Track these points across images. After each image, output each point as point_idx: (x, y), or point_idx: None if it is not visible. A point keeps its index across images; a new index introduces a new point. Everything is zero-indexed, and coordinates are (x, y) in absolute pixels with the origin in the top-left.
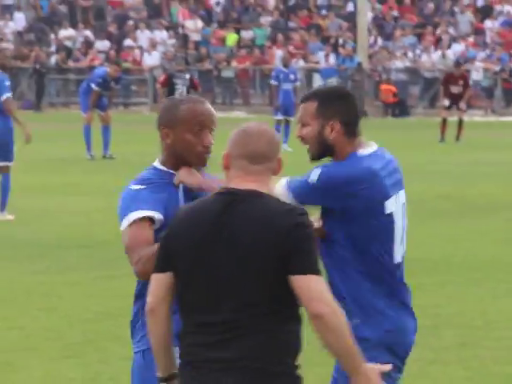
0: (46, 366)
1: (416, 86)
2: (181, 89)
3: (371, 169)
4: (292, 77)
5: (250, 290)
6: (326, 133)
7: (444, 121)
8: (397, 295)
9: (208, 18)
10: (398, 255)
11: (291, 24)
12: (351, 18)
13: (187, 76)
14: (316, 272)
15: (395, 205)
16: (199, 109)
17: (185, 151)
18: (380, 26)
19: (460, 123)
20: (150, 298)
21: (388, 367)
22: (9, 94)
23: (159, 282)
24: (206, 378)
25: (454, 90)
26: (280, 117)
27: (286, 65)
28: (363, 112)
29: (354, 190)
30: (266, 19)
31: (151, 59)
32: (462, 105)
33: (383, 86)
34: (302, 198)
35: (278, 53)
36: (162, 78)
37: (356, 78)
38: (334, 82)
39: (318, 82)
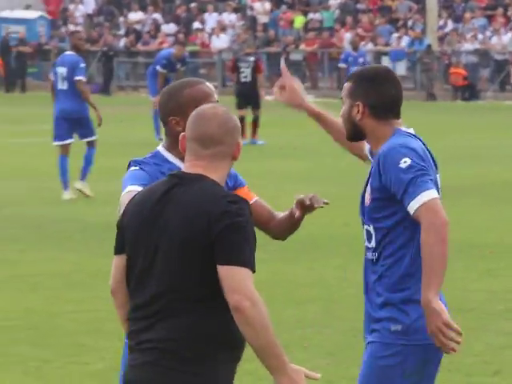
0: (116, 347)
1: (486, 68)
2: (245, 72)
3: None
4: (361, 60)
5: (177, 276)
6: (353, 113)
7: None
8: None
9: (276, 0)
10: None
11: (360, 6)
12: (420, 0)
13: (252, 59)
14: (242, 263)
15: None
16: (202, 90)
17: None
18: (450, 7)
19: None
20: (110, 281)
21: (317, 376)
22: (82, 77)
23: (117, 265)
24: (133, 357)
25: None
26: None
27: (355, 48)
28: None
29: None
30: (334, 1)
31: (219, 42)
32: None
33: (453, 69)
34: (424, 187)
35: (347, 35)
36: (230, 64)
37: (425, 60)
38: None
39: (386, 64)
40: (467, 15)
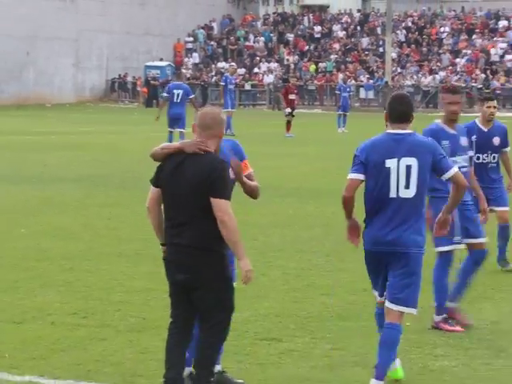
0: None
1: (418, 95)
2: (292, 96)
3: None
4: (348, 89)
5: (193, 205)
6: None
7: None
8: None
9: (300, 55)
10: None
11: (348, 59)
12: (382, 57)
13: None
14: (224, 197)
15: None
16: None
17: None
18: (398, 61)
19: None
20: (147, 202)
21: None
22: (192, 96)
23: (153, 192)
24: (172, 252)
25: None
26: (340, 112)
27: (344, 82)
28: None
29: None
30: (333, 56)
31: (268, 79)
32: None
33: None
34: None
35: (340, 75)
36: (283, 91)
37: (384, 90)
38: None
39: (362, 93)
40: (408, 65)
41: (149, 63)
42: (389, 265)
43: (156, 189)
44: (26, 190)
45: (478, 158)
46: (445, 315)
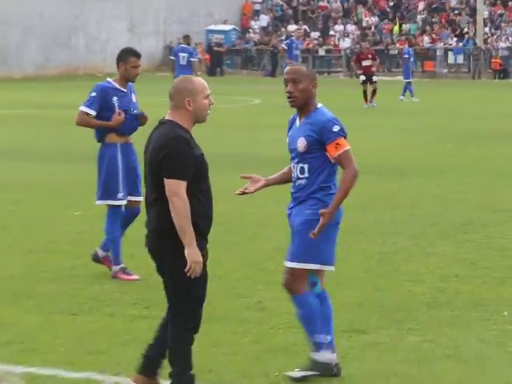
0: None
1: None
2: (366, 62)
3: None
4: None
5: (152, 183)
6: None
7: None
8: None
9: (381, 16)
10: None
11: (434, 19)
12: (473, 15)
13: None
14: (172, 177)
15: None
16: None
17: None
18: (491, 20)
19: None
20: None
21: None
22: (194, 59)
23: None
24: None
25: None
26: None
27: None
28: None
29: None
30: (419, 16)
31: (344, 43)
32: None
33: (493, 60)
34: None
35: (425, 38)
36: (354, 57)
37: (475, 53)
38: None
39: (451, 56)
40: (502, 24)
41: (211, 27)
42: None
43: None
44: (78, 170)
45: None
46: (122, 265)
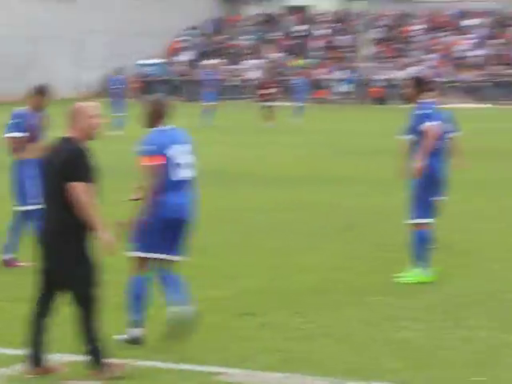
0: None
1: None
2: None
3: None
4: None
5: (51, 189)
6: None
7: None
8: None
9: (285, 52)
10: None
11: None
12: None
13: None
14: (73, 180)
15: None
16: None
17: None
18: None
19: None
20: None
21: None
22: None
23: None
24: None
25: None
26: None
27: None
28: None
29: None
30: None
31: (253, 74)
32: None
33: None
34: None
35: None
36: (259, 85)
37: None
38: None
39: None
40: (382, 60)
41: (143, 61)
42: None
43: None
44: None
45: None
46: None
